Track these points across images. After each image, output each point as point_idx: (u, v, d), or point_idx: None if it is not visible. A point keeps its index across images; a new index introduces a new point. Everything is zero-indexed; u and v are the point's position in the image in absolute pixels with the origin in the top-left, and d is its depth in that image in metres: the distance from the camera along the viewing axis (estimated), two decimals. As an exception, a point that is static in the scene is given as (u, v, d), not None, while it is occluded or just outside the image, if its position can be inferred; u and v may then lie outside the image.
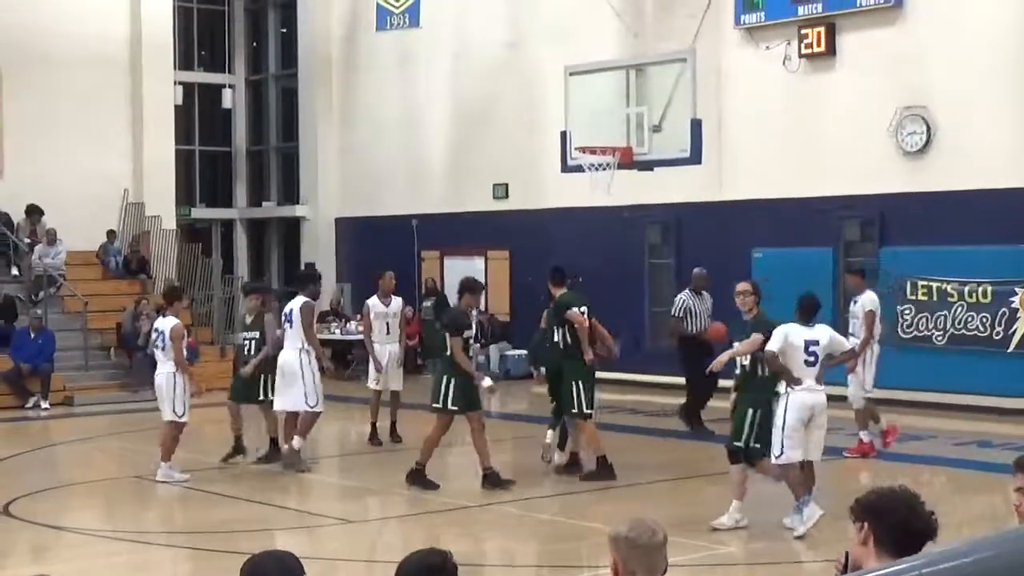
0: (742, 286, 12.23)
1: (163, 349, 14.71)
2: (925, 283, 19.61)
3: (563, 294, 14.54)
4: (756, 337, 11.61)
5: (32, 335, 22.26)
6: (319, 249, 29.17)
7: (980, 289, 19.08)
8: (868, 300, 15.70)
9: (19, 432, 20.05)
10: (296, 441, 15.01)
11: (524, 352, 24.00)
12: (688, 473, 12.33)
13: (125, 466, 16.55)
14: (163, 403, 14.75)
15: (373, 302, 17.17)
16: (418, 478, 13.77)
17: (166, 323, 14.81)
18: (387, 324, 17.05)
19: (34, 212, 25.45)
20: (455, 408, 13.66)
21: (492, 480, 13.71)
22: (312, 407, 14.97)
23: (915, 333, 19.73)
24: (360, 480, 14.78)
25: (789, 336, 11.62)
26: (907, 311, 19.79)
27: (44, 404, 21.72)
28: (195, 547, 12.14)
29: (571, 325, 14.13)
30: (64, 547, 12.11)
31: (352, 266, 28.43)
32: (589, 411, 14.14)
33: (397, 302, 17.24)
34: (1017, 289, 18.76)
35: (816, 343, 11.68)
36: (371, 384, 17.09)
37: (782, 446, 11.49)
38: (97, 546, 11.96)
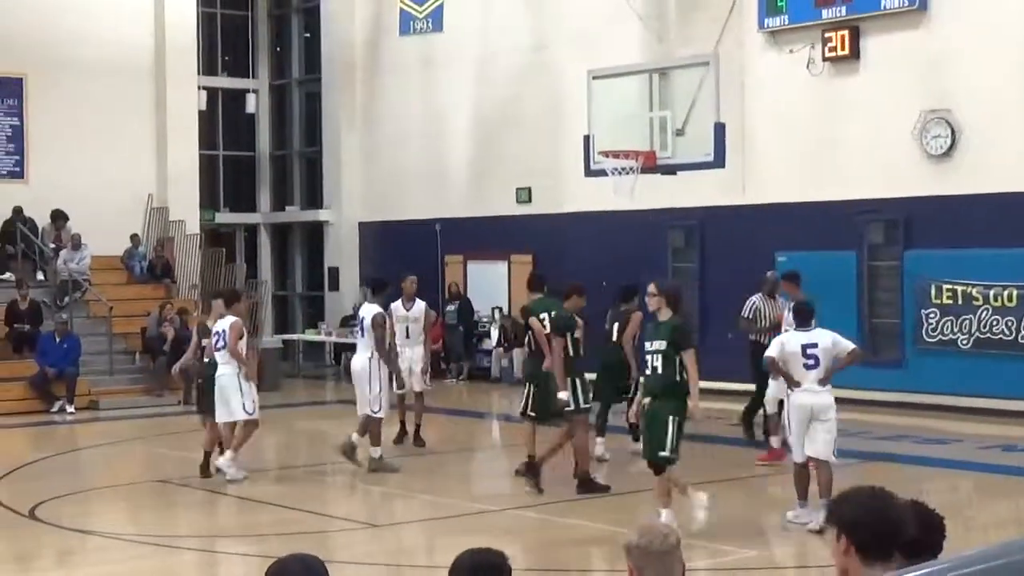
0: (651, 288, 12.08)
1: (225, 349, 14.80)
2: (950, 287, 19.54)
3: (533, 300, 14.64)
4: (694, 374, 11.43)
5: (58, 340, 22.36)
6: (343, 253, 29.22)
7: (1005, 292, 19.00)
8: None
9: (45, 436, 20.18)
10: (373, 451, 15.23)
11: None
12: (714, 477, 12.30)
13: (150, 470, 16.60)
14: (227, 404, 14.73)
15: (396, 305, 17.20)
16: (588, 486, 13.73)
17: (225, 323, 14.89)
18: (407, 328, 17.06)
19: (59, 217, 25.56)
20: (588, 406, 13.76)
21: (587, 486, 13.70)
22: (375, 412, 15.19)
23: (940, 337, 19.65)
24: (384, 484, 14.80)
25: (785, 345, 12.05)
26: (932, 315, 19.72)
27: (69, 408, 21.81)
28: (220, 551, 12.19)
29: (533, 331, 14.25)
30: (90, 551, 12.15)
31: (375, 270, 28.38)
32: (532, 413, 14.12)
33: (419, 306, 17.21)
34: (1042, 292, 18.70)
35: (814, 345, 11.91)
36: (394, 388, 17.13)
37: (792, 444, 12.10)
38: (123, 550, 12.00)
